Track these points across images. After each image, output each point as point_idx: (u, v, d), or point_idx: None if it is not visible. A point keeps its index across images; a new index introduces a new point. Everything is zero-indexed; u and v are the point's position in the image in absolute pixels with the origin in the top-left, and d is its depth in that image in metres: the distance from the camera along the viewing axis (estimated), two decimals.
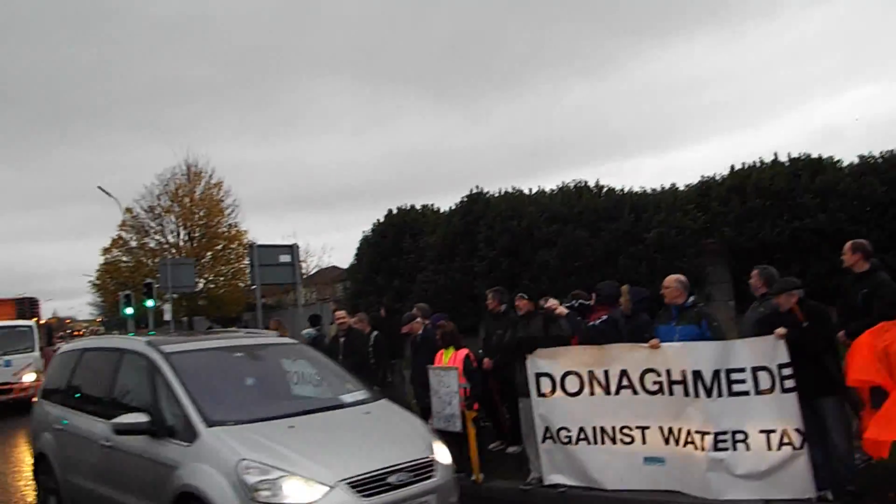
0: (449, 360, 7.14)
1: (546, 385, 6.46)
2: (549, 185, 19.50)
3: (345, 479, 4.43)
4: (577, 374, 6.33)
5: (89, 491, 5.61)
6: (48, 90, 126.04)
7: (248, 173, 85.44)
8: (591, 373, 6.26)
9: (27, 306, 19.44)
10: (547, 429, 6.44)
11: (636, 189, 16.55)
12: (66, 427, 6.12)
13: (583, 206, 15.49)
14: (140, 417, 4.93)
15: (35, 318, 18.79)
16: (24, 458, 10.70)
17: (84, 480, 5.70)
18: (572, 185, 16.65)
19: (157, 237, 35.56)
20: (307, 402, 5.76)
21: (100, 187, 31.96)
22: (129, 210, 34.70)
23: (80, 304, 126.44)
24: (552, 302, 6.91)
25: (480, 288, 13.90)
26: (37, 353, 17.35)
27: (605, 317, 6.70)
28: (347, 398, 5.70)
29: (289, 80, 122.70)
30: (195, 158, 36.17)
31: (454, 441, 7.03)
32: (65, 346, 7.39)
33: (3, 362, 16.73)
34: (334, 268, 47.24)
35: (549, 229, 15.24)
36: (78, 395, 6.42)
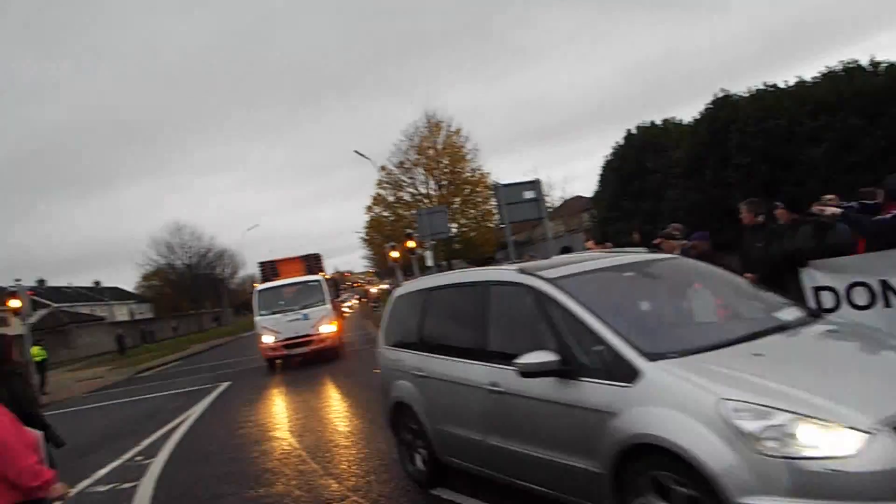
0: None
1: (828, 300, 5.85)
2: (810, 73, 17.02)
3: (890, 421, 3.08)
4: (866, 284, 5.60)
5: (476, 442, 4.98)
6: (302, 72, 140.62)
7: (484, 116, 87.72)
8: (883, 282, 5.50)
9: (313, 262, 20.44)
10: None
11: None
12: (430, 374, 5.59)
13: (855, 89, 13.38)
14: (548, 356, 4.12)
15: (321, 273, 20.18)
16: (334, 396, 12.58)
17: (465, 431, 5.11)
18: (840, 68, 14.43)
19: (409, 190, 38.57)
20: (747, 323, 4.50)
21: (356, 151, 35.35)
22: (383, 168, 38.00)
23: (354, 259, 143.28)
24: (827, 208, 5.96)
25: (736, 199, 12.88)
26: (328, 306, 18.95)
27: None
28: (787, 316, 4.47)
29: (511, 16, 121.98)
30: (433, 110, 38.23)
31: None
32: (400, 289, 6.91)
33: (301, 315, 18.49)
34: (579, 197, 47.02)
35: (814, 123, 13.50)
36: (436, 338, 5.81)
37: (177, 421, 12.42)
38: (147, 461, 9.17)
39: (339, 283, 24.32)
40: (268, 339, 18.56)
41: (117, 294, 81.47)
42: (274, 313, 18.71)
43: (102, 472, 8.98)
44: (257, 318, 19.03)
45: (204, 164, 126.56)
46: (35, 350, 23.08)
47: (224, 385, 17.31)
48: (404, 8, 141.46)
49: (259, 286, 19.97)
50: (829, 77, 14.38)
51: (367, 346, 20.93)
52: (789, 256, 6.12)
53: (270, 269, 20.12)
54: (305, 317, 18.47)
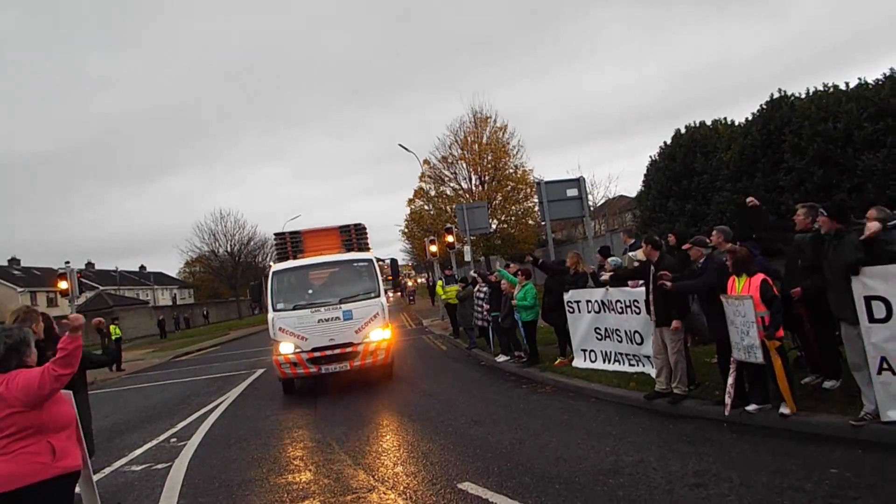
0: (743, 289, 6.53)
1: (880, 310, 5.55)
2: (873, 76, 16.33)
3: None
4: None
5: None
6: (352, 69, 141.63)
7: (532, 114, 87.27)
8: None
9: (355, 236, 13.67)
10: (883, 359, 5.56)
11: None
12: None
13: None
14: None
15: (370, 251, 13.62)
16: (364, 387, 12.54)
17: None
18: None
19: (451, 184, 38.47)
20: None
21: (400, 145, 35.36)
22: (426, 162, 37.98)
23: (392, 252, 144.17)
24: (869, 224, 5.63)
25: (788, 204, 12.42)
26: (382, 300, 12.38)
27: None
28: None
29: (564, 16, 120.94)
30: (480, 105, 38.01)
31: (759, 372, 6.51)
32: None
33: (339, 313, 12.03)
34: (622, 197, 46.33)
35: (875, 127, 12.92)
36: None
37: (212, 405, 12.56)
38: (181, 443, 9.27)
39: (398, 270, 16.67)
40: (286, 347, 11.92)
41: (161, 279, 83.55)
42: (297, 308, 12.18)
43: (138, 451, 9.11)
44: (271, 316, 12.26)
45: (253, 155, 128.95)
46: (112, 328, 23.78)
47: (259, 372, 17.48)
48: (457, 7, 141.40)
49: (275, 266, 13.17)
50: (893, 80, 13.75)
51: (405, 338, 20.94)
52: (842, 266, 5.80)
53: (293, 243, 13.60)
54: (347, 315, 12.07)
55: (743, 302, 6.39)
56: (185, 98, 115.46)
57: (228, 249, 69.92)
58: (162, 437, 9.91)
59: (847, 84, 14.75)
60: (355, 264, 12.85)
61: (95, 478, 6.86)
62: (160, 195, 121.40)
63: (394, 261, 15.57)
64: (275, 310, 12.17)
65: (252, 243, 72.08)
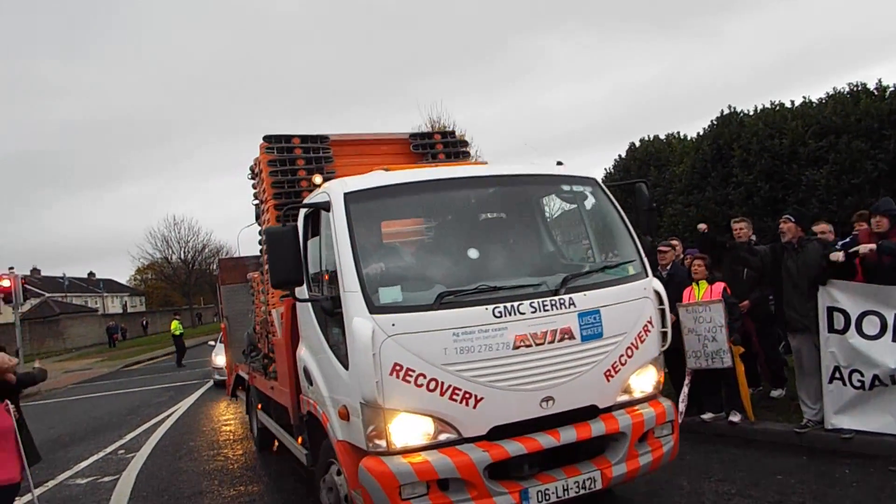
0: (704, 294, 6.70)
1: (839, 321, 5.74)
2: (817, 94, 16.96)
3: None
4: (880, 314, 5.49)
5: None
6: (307, 82, 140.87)
7: (488, 129, 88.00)
8: None
9: (442, 150, 6.94)
10: (836, 368, 5.75)
11: None
12: None
13: (860, 112, 13.31)
14: None
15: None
16: None
17: None
18: (846, 90, 14.37)
19: None
20: None
21: None
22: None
23: None
24: (862, 247, 5.69)
25: (734, 217, 12.78)
26: (653, 283, 4.57)
27: None
28: None
29: (518, 35, 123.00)
30: (438, 115, 38.03)
31: (718, 379, 6.67)
32: None
33: (573, 320, 4.01)
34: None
35: (819, 144, 13.41)
36: None
37: (162, 416, 12.26)
38: (129, 455, 9.02)
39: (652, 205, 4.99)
40: (405, 429, 3.77)
41: (111, 286, 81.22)
42: (447, 304, 3.83)
43: (84, 464, 8.83)
44: (357, 325, 3.74)
45: (210, 165, 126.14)
46: (174, 324, 25.51)
47: (212, 381, 17.13)
48: (414, 23, 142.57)
49: (344, 183, 4.40)
50: (835, 98, 14.32)
51: None
52: (817, 274, 5.88)
53: (315, 161, 6.21)
54: (591, 327, 4.09)
55: (710, 307, 6.54)
56: (143, 107, 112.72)
57: (182, 256, 68.43)
58: (109, 449, 9.63)
59: (793, 102, 15.30)
60: (566, 188, 5.04)
61: (38, 492, 6.64)
62: (114, 202, 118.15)
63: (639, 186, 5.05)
64: (375, 310, 3.80)
65: (207, 250, 70.68)
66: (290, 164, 6.17)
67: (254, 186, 7.04)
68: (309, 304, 4.50)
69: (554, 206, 5.14)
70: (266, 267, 6.19)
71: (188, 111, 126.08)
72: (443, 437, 3.80)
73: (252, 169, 6.94)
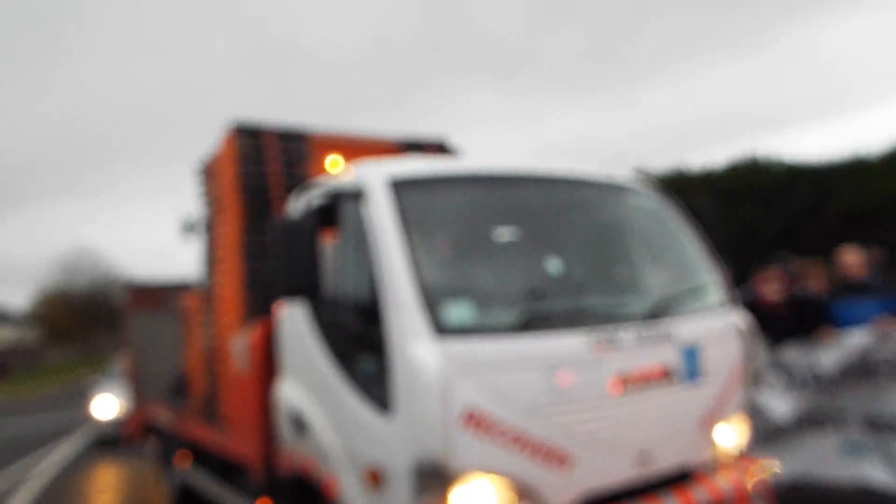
0: None
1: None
2: (720, 157, 18.06)
3: None
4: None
5: None
6: (237, 111, 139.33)
7: None
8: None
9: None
10: None
11: (813, 161, 14.93)
12: None
13: (755, 181, 14.41)
14: None
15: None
16: None
17: None
18: (743, 159, 15.59)
19: None
20: None
21: None
22: None
23: None
24: None
25: None
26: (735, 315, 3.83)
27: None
28: None
29: (432, 94, 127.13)
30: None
31: None
32: None
33: (678, 357, 3.37)
34: None
35: (718, 210, 14.37)
36: None
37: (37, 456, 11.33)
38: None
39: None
40: (486, 495, 2.86)
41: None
42: (538, 327, 3.07)
43: None
44: (419, 355, 2.86)
45: (133, 192, 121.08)
46: None
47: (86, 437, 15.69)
48: (351, 69, 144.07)
49: (392, 172, 3.39)
50: (733, 168, 15.43)
51: None
52: None
53: (288, 158, 5.01)
54: (694, 366, 3.43)
55: None
56: (69, 131, 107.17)
57: (85, 287, 64.78)
58: None
59: (691, 170, 16.37)
60: (634, 199, 4.19)
61: None
62: (23, 225, 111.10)
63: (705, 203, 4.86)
64: (443, 333, 2.92)
65: (115, 283, 67.21)
66: (261, 162, 4.90)
67: (204, 191, 5.68)
68: (311, 325, 3.53)
69: (638, 219, 4.22)
70: (213, 287, 5.23)
71: (114, 137, 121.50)
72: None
73: (206, 169, 5.60)
